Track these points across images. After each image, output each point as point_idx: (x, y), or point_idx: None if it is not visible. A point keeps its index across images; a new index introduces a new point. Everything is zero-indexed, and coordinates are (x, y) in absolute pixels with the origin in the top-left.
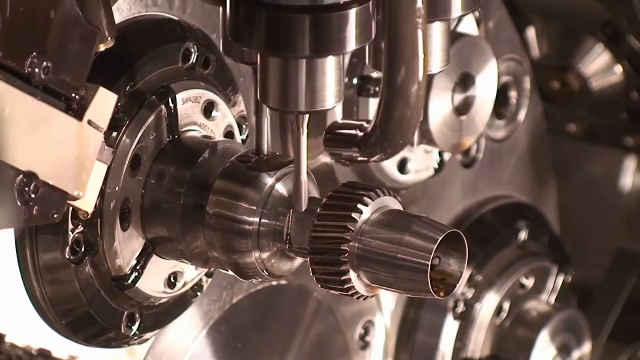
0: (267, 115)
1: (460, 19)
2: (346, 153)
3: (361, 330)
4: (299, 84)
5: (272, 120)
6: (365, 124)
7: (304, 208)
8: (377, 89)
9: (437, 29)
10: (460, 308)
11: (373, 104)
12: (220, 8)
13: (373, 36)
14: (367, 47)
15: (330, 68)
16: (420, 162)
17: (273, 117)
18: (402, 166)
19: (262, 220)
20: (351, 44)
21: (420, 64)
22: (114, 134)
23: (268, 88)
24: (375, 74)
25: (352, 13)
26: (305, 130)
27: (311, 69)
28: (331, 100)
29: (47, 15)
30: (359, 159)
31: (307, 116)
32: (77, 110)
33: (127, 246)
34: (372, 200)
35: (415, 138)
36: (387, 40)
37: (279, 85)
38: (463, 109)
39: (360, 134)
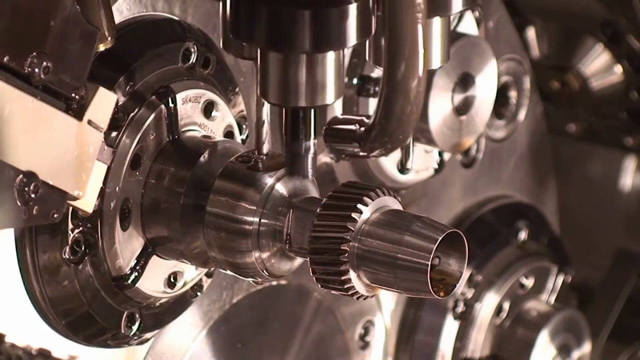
0: (267, 114)
1: (460, 18)
2: (346, 148)
3: (361, 330)
4: (299, 79)
5: (272, 120)
6: (365, 119)
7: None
8: (377, 88)
9: (437, 25)
10: (460, 308)
11: (373, 103)
12: (220, 3)
13: (373, 32)
14: (367, 43)
15: (330, 63)
16: (420, 162)
17: (273, 117)
18: (402, 166)
19: (262, 220)
20: (351, 39)
21: (421, 59)
22: (114, 134)
23: (268, 83)
24: (375, 74)
25: (352, 8)
26: None
27: (311, 64)
28: (331, 95)
29: (47, 15)
30: (359, 154)
31: None
32: (77, 110)
33: (127, 246)
34: (372, 200)
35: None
36: (387, 36)
37: (279, 81)
38: (463, 109)
39: (360, 129)
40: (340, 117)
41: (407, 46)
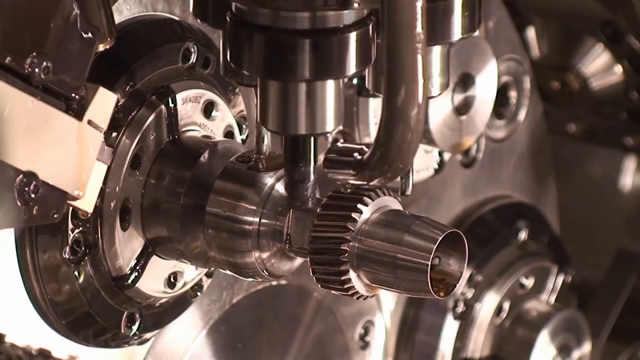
0: None
1: None
2: (345, 177)
3: (361, 330)
4: (299, 107)
5: None
6: (365, 148)
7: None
8: None
9: (437, 53)
10: (460, 308)
11: (373, 104)
12: (220, 31)
13: (373, 60)
14: (367, 71)
15: (330, 91)
16: (420, 162)
17: None
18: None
19: (262, 220)
20: (351, 68)
21: (420, 88)
22: (114, 134)
23: (268, 111)
24: None
25: (352, 37)
26: None
27: (311, 92)
28: (331, 123)
29: (47, 16)
30: (358, 182)
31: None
32: (77, 110)
33: (127, 246)
34: (372, 200)
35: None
36: (386, 65)
37: (278, 109)
38: (463, 109)
39: (360, 157)
40: (340, 145)
41: (406, 75)
